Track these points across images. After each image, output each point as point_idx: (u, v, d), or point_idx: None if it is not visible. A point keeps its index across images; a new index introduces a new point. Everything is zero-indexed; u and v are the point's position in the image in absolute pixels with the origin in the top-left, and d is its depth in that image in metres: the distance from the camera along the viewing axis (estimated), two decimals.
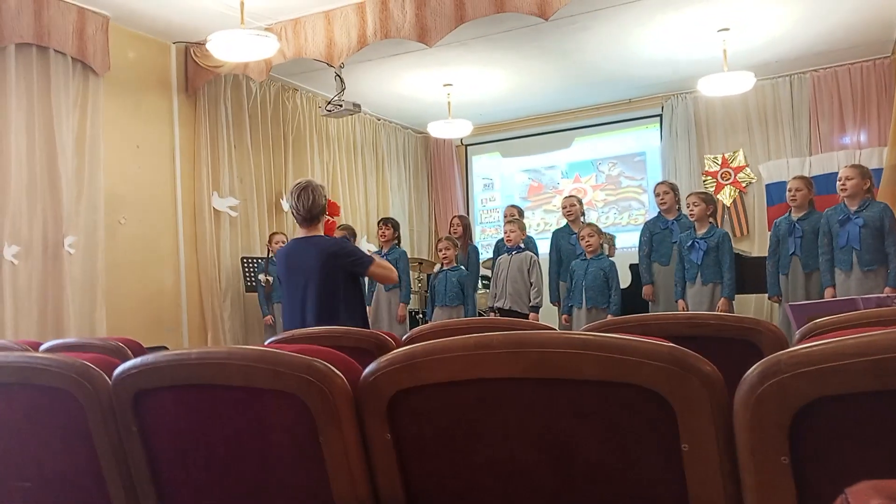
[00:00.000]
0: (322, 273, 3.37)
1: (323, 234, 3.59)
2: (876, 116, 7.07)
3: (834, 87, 7.28)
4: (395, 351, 1.17)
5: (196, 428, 1.34)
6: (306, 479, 1.23)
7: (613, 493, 1.02)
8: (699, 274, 5.23)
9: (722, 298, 5.18)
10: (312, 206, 3.49)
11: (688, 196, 5.49)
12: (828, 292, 4.77)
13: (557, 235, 6.39)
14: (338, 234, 6.33)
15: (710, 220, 5.36)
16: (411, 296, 6.70)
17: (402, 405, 1.15)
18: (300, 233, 3.58)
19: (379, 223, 6.57)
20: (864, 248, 4.61)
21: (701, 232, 5.28)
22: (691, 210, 5.30)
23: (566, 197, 6.65)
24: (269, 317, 6.13)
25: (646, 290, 5.74)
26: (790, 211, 5.20)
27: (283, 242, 6.21)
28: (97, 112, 5.24)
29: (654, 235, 5.79)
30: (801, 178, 5.31)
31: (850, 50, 6.83)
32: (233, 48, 4.78)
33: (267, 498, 1.28)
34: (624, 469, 1.00)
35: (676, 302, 5.40)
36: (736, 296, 6.15)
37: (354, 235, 6.60)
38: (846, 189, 4.71)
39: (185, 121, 6.10)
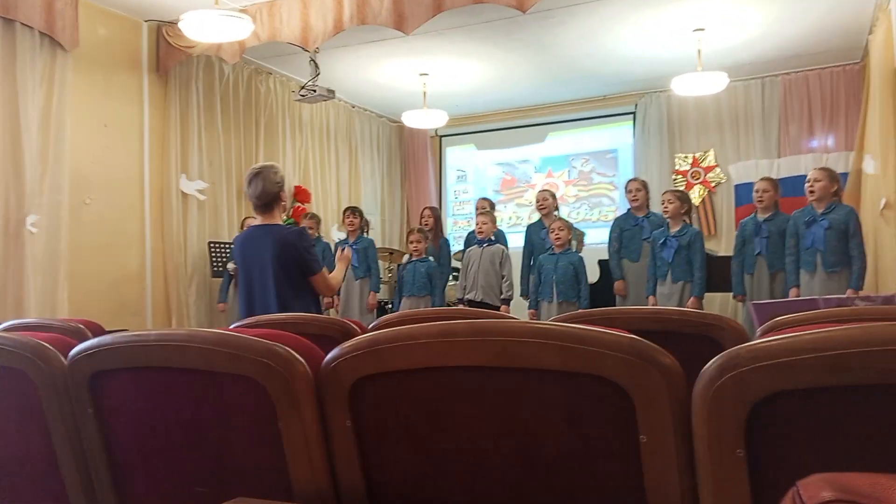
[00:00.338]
0: (277, 261, 3.33)
1: (281, 222, 3.53)
2: (844, 121, 7.20)
3: (804, 91, 7.40)
4: (358, 337, 1.16)
5: (153, 411, 1.32)
6: (265, 465, 1.21)
7: (572, 482, 1.02)
8: (670, 272, 5.28)
9: (692, 297, 5.24)
10: (262, 193, 3.39)
11: (663, 193, 5.52)
12: (792, 292, 4.85)
13: (530, 229, 6.41)
14: (305, 222, 6.31)
15: (684, 218, 5.40)
16: (381, 286, 6.68)
17: (364, 392, 1.14)
18: (257, 220, 3.54)
19: (345, 211, 6.54)
20: (829, 250, 4.68)
21: (674, 230, 5.32)
22: (665, 207, 5.33)
23: (541, 191, 6.66)
24: (222, 304, 6.09)
25: (617, 285, 5.78)
26: (756, 211, 5.27)
27: None
28: (64, 89, 5.12)
29: (624, 232, 5.83)
30: (768, 179, 5.38)
31: (821, 55, 6.94)
32: (206, 28, 4.70)
33: (224, 484, 1.26)
34: (583, 459, 1.01)
35: (647, 298, 5.44)
36: None
37: (319, 223, 6.59)
38: (814, 191, 4.78)
39: (154, 101, 5.99)
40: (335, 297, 6.18)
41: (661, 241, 5.33)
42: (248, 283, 3.46)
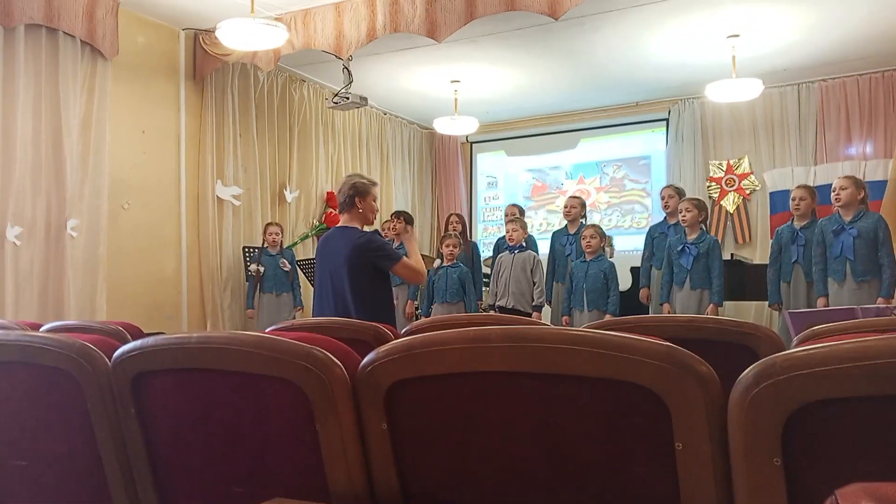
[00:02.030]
0: (348, 264, 3.40)
1: (360, 226, 3.58)
2: (883, 128, 7.06)
3: (842, 98, 7.27)
4: (393, 342, 1.17)
5: (194, 411, 1.35)
6: (302, 467, 1.23)
7: (606, 488, 1.02)
8: (688, 278, 5.24)
9: (710, 304, 5.20)
10: (339, 195, 3.59)
11: (681, 202, 5.52)
12: (820, 302, 4.78)
13: (554, 236, 6.40)
14: None
15: (702, 226, 5.38)
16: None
17: (400, 396, 1.15)
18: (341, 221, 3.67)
19: (391, 216, 6.58)
20: (858, 259, 4.61)
21: (692, 237, 5.30)
22: (684, 216, 5.33)
23: (570, 197, 6.63)
24: (250, 311, 6.14)
25: (642, 292, 5.79)
26: (792, 219, 5.21)
27: (278, 234, 6.22)
28: (104, 96, 5.25)
29: (655, 239, 5.82)
30: (805, 187, 5.32)
31: (859, 61, 6.82)
32: (242, 37, 4.78)
33: (262, 484, 1.29)
34: (617, 465, 1.01)
35: (661, 305, 5.41)
36: (737, 303, 6.16)
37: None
38: (840, 199, 4.72)
39: (191, 108, 6.10)
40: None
41: (679, 249, 5.31)
42: (321, 283, 3.59)
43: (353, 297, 3.39)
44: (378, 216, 7.73)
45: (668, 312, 5.20)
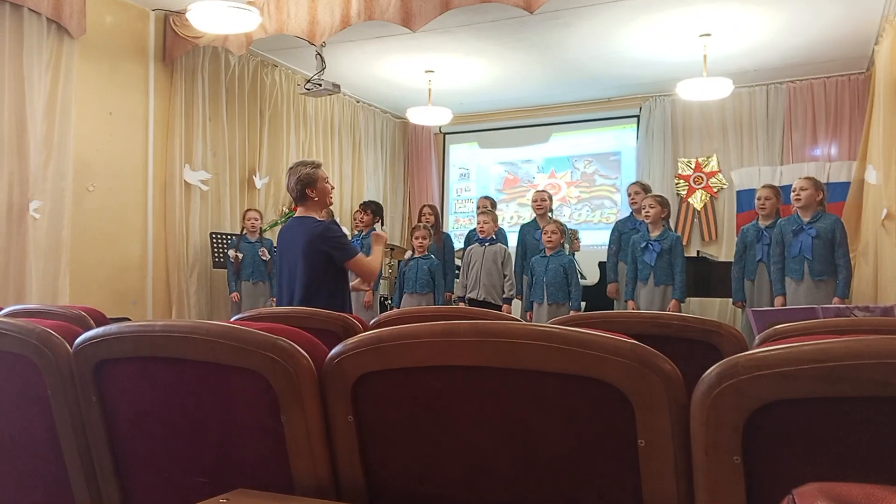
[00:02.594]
0: (305, 255, 3.37)
1: (317, 216, 3.55)
2: (848, 130, 7.20)
3: (809, 99, 7.40)
4: (362, 334, 1.17)
5: (157, 401, 1.33)
6: (267, 457, 1.23)
7: (570, 483, 1.03)
8: (652, 275, 5.32)
9: (672, 300, 5.28)
10: (289, 187, 3.55)
11: (644, 199, 5.58)
12: (777, 301, 4.88)
13: (524, 229, 6.43)
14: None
15: (665, 223, 5.46)
16: (381, 282, 6.69)
17: (367, 388, 1.15)
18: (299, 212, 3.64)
19: (360, 206, 6.59)
20: (816, 259, 4.72)
21: (654, 234, 5.37)
22: (647, 212, 5.39)
23: (539, 191, 6.68)
24: (235, 294, 6.08)
25: (610, 287, 5.86)
26: (758, 218, 5.30)
27: (257, 220, 6.22)
28: (70, 76, 5.13)
29: (623, 235, 5.89)
30: (771, 186, 5.41)
31: (826, 63, 6.94)
32: (213, 19, 4.72)
33: (226, 475, 1.28)
34: (581, 461, 1.02)
35: (626, 302, 5.48)
36: (702, 299, 6.26)
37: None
38: (800, 199, 4.83)
39: (160, 90, 6.00)
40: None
41: (643, 246, 5.38)
42: (281, 272, 3.57)
43: (307, 287, 3.36)
44: (341, 200, 7.76)
45: (633, 309, 5.27)
